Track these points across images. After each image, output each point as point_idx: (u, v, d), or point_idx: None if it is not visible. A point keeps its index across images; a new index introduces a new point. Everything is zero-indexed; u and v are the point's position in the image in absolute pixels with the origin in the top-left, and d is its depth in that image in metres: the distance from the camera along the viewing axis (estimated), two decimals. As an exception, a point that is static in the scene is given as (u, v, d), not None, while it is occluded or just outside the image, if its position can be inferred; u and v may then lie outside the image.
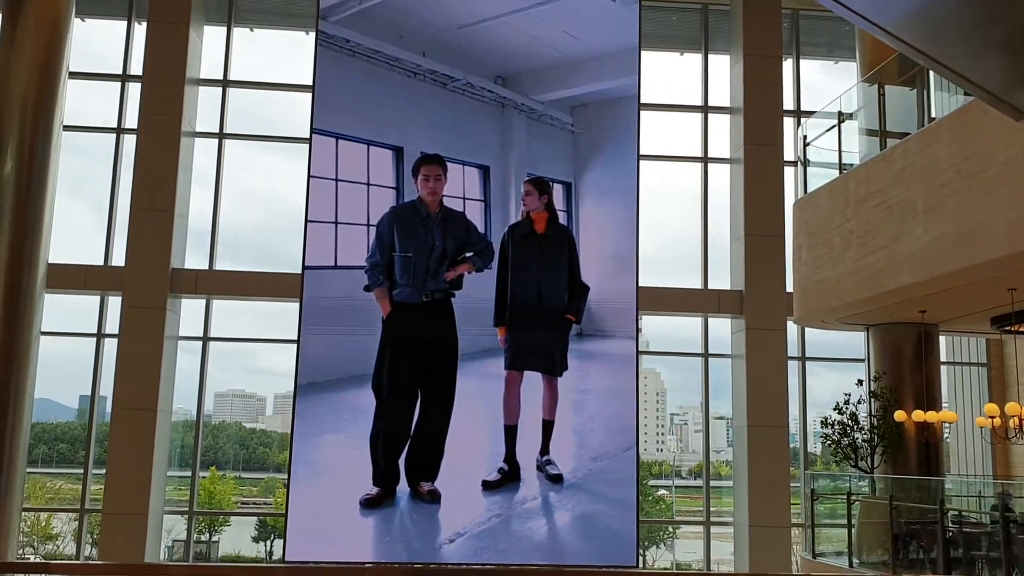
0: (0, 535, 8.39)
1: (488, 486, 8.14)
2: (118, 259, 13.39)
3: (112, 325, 13.28)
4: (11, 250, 8.86)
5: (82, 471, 13.25)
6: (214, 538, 14.16)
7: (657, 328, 14.39)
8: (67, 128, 11.12)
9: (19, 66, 9.24)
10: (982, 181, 8.41)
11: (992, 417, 10.29)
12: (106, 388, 13.30)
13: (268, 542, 14.51)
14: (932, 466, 11.31)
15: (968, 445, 14.69)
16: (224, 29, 14.27)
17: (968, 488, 12.68)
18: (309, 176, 8.65)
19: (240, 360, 14.59)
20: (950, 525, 9.84)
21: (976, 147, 8.54)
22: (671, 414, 15.80)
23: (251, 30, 14.59)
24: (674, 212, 14.71)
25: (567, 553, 7.99)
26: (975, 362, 14.96)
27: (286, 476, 8.29)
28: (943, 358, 13.44)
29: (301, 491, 8.06)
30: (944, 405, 12.20)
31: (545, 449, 8.19)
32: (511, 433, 8.12)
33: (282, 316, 14.02)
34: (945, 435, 11.90)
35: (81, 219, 14.16)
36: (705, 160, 14.43)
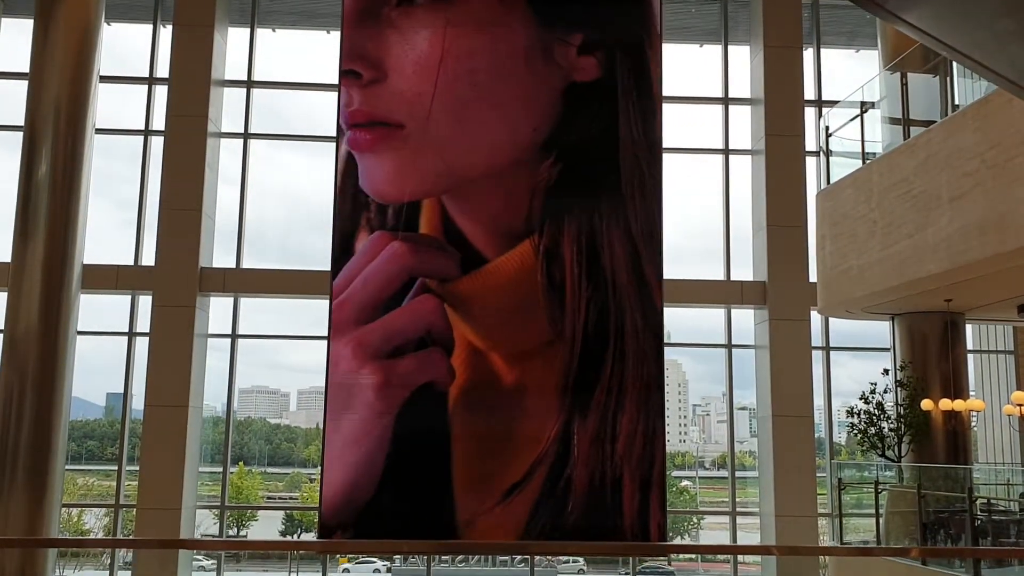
0: (41, 531, 8.59)
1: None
2: (148, 259, 13.60)
3: (142, 324, 13.50)
4: (47, 251, 9.04)
5: (112, 467, 13.49)
6: (242, 532, 14.36)
7: (678, 319, 14.40)
8: (97, 131, 11.29)
9: (51, 71, 9.41)
10: (1007, 170, 8.39)
11: (1020, 405, 10.28)
12: (134, 386, 13.53)
13: (295, 536, 14.68)
14: (960, 455, 11.29)
15: (996, 433, 14.62)
16: (247, 31, 14.43)
17: (996, 476, 12.65)
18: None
19: (263, 356, 14.77)
20: (979, 513, 9.84)
21: (1001, 136, 8.53)
22: (693, 405, 15.82)
23: (273, 31, 14.74)
24: (696, 203, 14.72)
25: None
26: (1002, 350, 14.88)
27: (312, 469, 8.39)
28: (969, 346, 13.38)
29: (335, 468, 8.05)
30: (971, 393, 12.16)
31: None
32: None
33: (304, 312, 14.21)
34: (973, 424, 11.87)
35: (110, 220, 14.39)
36: (726, 152, 14.43)
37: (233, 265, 13.81)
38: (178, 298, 13.05)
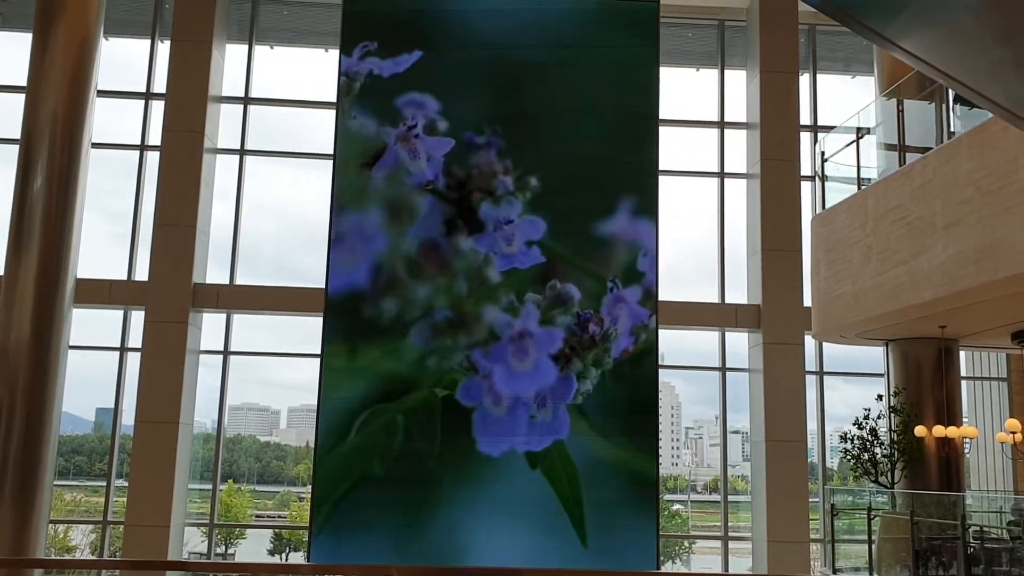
0: (28, 547, 8.48)
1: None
2: (141, 274, 13.55)
3: (134, 339, 13.43)
4: (40, 264, 8.98)
5: (99, 483, 13.38)
6: (230, 550, 14.23)
7: (672, 341, 14.38)
8: (93, 145, 11.25)
9: (49, 84, 9.38)
10: (1002, 197, 8.42)
11: (1013, 432, 10.26)
12: (124, 401, 13.46)
13: (283, 555, 14.56)
14: (953, 481, 11.26)
15: (989, 460, 14.59)
16: (245, 47, 14.47)
17: (989, 504, 12.61)
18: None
19: (254, 373, 14.70)
20: (971, 541, 9.80)
21: (996, 164, 8.56)
22: (685, 428, 15.76)
23: (271, 48, 14.77)
24: (691, 226, 14.74)
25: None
26: (995, 377, 14.88)
27: (302, 488, 8.35)
28: (963, 373, 13.38)
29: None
30: (964, 420, 12.15)
31: None
32: None
33: (296, 329, 14.16)
34: (966, 450, 11.85)
35: (104, 234, 14.35)
36: (722, 175, 14.47)
37: (226, 281, 13.77)
38: (171, 314, 13.00)
